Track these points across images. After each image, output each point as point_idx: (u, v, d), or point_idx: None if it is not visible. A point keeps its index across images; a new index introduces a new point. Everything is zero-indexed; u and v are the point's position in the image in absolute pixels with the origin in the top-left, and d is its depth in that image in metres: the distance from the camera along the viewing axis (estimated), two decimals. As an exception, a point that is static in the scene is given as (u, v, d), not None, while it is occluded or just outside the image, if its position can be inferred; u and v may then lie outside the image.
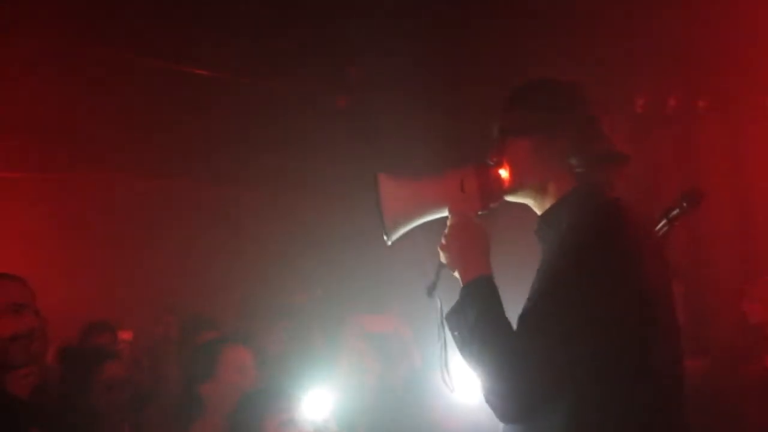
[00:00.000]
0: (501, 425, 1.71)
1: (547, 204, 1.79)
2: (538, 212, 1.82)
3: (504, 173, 1.81)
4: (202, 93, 4.88)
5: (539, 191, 1.79)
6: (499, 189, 1.80)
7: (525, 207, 1.87)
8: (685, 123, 5.59)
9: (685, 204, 2.16)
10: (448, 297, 1.82)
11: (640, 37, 4.25)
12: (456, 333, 1.70)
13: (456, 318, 1.71)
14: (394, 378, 3.74)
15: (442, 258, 1.80)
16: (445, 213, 1.82)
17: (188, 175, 6.67)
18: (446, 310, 1.78)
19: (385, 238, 1.82)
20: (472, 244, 1.76)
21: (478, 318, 1.65)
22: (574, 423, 1.55)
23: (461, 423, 3.09)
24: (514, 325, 1.61)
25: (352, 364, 3.50)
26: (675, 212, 2.14)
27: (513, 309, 1.66)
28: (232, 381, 2.85)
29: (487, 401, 1.62)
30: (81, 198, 6.49)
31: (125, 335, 4.33)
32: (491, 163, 1.82)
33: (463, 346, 1.68)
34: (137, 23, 4.09)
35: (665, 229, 2.12)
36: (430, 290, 1.83)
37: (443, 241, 1.80)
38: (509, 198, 1.83)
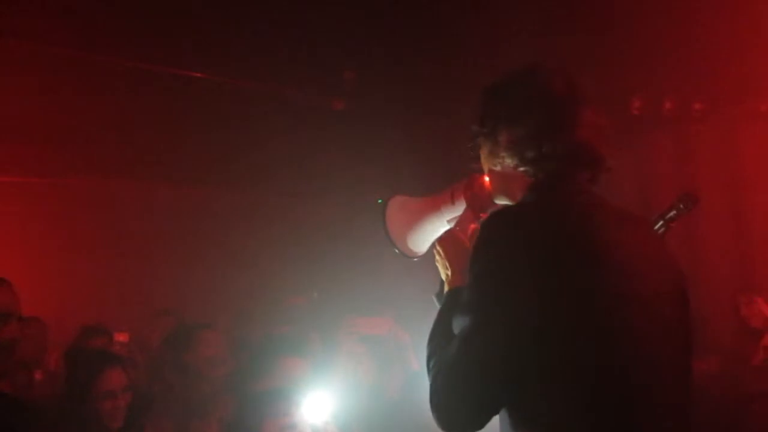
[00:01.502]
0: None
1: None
2: None
3: (486, 179, 1.84)
4: (200, 98, 4.88)
5: (509, 193, 1.76)
6: (485, 196, 1.84)
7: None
8: (681, 125, 5.61)
9: (681, 206, 2.16)
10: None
11: (637, 40, 4.26)
12: None
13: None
14: (390, 380, 3.74)
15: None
16: (446, 226, 1.91)
17: (185, 179, 6.67)
18: None
19: (404, 257, 1.95)
20: (455, 255, 1.81)
21: (433, 329, 1.71)
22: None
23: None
24: None
25: (348, 366, 3.50)
26: (672, 214, 2.15)
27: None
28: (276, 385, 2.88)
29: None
30: (78, 202, 6.49)
31: (122, 337, 4.31)
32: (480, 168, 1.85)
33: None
34: (134, 28, 4.08)
35: (662, 230, 2.12)
36: (439, 298, 1.88)
37: (435, 253, 1.88)
38: (497, 202, 1.83)
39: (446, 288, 1.81)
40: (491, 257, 1.52)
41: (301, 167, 5.99)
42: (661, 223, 2.13)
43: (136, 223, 6.51)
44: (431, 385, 1.59)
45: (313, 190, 6.67)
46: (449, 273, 1.80)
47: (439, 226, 1.93)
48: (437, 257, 1.87)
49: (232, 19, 4.04)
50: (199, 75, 4.66)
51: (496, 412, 1.54)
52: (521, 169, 1.67)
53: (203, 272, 6.52)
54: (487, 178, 1.82)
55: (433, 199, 1.93)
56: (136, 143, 5.63)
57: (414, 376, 3.60)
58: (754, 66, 4.61)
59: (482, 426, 1.55)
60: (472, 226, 1.85)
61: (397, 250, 1.94)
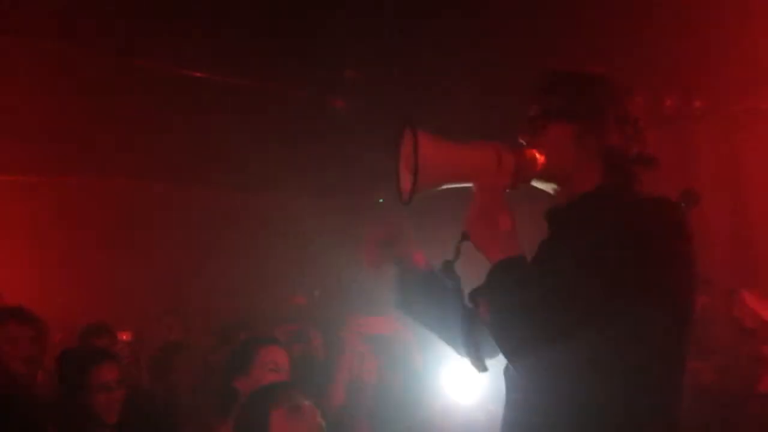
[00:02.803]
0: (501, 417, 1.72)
1: (569, 193, 1.75)
2: (560, 200, 1.78)
3: (538, 155, 1.74)
4: (203, 96, 4.88)
5: (567, 179, 1.75)
6: (532, 170, 1.73)
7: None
8: (681, 123, 5.61)
9: (682, 203, 2.17)
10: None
11: (637, 37, 4.26)
12: (492, 314, 1.61)
13: (492, 298, 1.62)
14: (394, 380, 3.74)
15: (467, 232, 1.68)
16: (470, 184, 1.71)
17: (187, 178, 6.68)
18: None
19: (404, 199, 1.70)
20: (502, 220, 1.65)
21: (518, 297, 1.56)
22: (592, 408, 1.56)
23: (458, 424, 3.10)
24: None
25: (352, 366, 3.49)
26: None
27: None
28: (265, 379, 2.87)
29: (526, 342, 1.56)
30: (80, 201, 6.50)
31: (124, 336, 4.33)
32: (523, 143, 1.76)
33: (501, 325, 1.59)
34: (136, 26, 4.09)
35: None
36: (449, 265, 1.75)
37: (470, 213, 1.67)
38: (535, 182, 1.78)
39: (491, 257, 1.63)
40: (650, 248, 1.55)
41: (303, 167, 6.00)
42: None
43: (139, 223, 6.52)
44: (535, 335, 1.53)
45: (314, 188, 6.67)
46: (496, 241, 1.63)
47: (464, 182, 1.72)
48: (475, 222, 1.66)
49: (232, 19, 4.04)
50: (199, 74, 4.66)
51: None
52: (603, 163, 1.72)
53: (207, 272, 6.53)
54: (538, 155, 1.73)
55: (473, 153, 1.70)
56: (138, 143, 5.63)
57: (417, 374, 3.60)
58: (755, 64, 4.61)
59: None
60: (502, 195, 1.69)
61: (406, 198, 1.68)
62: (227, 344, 3.78)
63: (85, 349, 3.85)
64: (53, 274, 5.97)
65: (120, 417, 3.05)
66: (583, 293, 1.51)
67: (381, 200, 1.72)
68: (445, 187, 1.71)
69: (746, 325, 4.68)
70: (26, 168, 6.29)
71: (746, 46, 4.35)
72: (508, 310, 1.57)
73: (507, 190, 1.71)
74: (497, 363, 1.77)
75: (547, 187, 1.80)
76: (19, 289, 4.45)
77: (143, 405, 3.63)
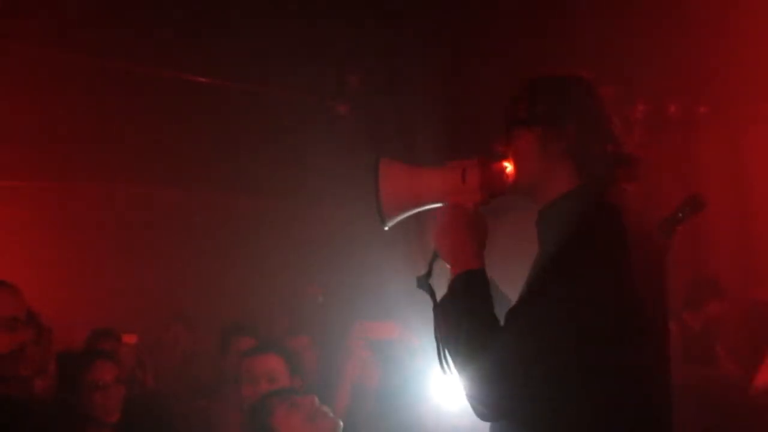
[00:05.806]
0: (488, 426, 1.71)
1: (547, 200, 1.72)
2: (538, 207, 1.76)
3: (508, 166, 1.74)
4: (204, 101, 4.89)
5: (540, 187, 1.72)
6: (501, 182, 1.74)
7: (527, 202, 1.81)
8: (685, 129, 5.62)
9: (687, 209, 2.17)
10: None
11: (640, 43, 4.26)
12: (440, 326, 1.67)
13: (441, 311, 1.67)
14: (395, 385, 3.73)
15: (435, 249, 1.74)
16: (442, 203, 1.77)
17: (191, 182, 6.68)
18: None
19: (380, 223, 1.79)
20: (465, 236, 1.68)
21: (461, 313, 1.60)
22: (555, 425, 1.54)
23: (443, 428, 3.11)
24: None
25: (355, 371, 3.49)
26: (678, 216, 2.16)
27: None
28: (263, 389, 2.88)
29: (467, 399, 1.58)
30: (83, 206, 6.51)
31: (130, 339, 4.33)
32: (496, 154, 1.76)
33: (447, 339, 1.64)
34: (133, 31, 4.09)
35: (668, 233, 2.13)
36: (424, 280, 1.77)
37: (435, 231, 1.74)
38: (510, 193, 1.77)
39: (451, 271, 1.69)
40: (593, 261, 1.52)
41: (306, 171, 6.00)
42: (667, 226, 2.14)
43: (142, 227, 6.53)
44: (470, 373, 1.55)
45: (320, 193, 6.68)
46: (456, 256, 1.68)
47: (436, 203, 1.78)
48: (439, 239, 1.72)
49: (234, 23, 4.05)
50: (202, 79, 4.67)
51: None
52: (572, 166, 1.68)
53: (210, 276, 6.54)
54: (507, 165, 1.74)
55: (437, 174, 1.76)
56: (140, 147, 5.64)
57: (421, 380, 3.59)
58: (758, 68, 4.61)
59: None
60: (473, 208, 1.73)
61: (381, 223, 1.78)
62: (227, 350, 3.78)
63: (80, 350, 3.88)
64: (55, 281, 5.96)
65: (123, 417, 3.05)
66: (521, 323, 1.53)
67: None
68: (420, 210, 1.79)
69: None
70: (30, 173, 6.30)
71: (750, 51, 4.36)
72: (446, 327, 1.64)
73: (480, 205, 1.73)
74: None
75: (526, 197, 1.78)
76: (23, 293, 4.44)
77: (147, 407, 3.64)
